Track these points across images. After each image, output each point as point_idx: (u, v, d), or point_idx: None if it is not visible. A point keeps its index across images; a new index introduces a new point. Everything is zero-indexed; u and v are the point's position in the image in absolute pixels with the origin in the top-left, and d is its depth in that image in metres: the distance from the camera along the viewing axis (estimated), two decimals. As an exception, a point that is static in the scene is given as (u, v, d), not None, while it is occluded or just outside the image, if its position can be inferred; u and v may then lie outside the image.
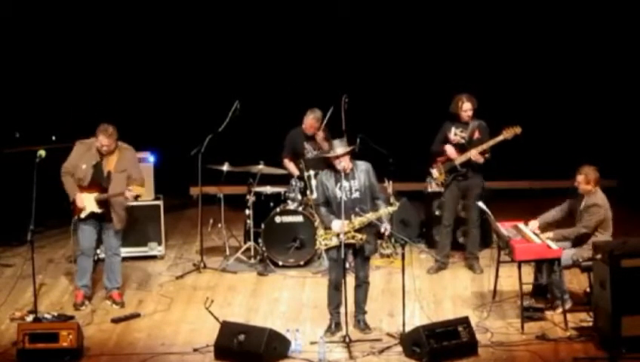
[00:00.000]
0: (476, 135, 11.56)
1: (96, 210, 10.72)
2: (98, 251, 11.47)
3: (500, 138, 11.39)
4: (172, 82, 14.63)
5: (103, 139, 10.62)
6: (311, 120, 12.25)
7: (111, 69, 14.51)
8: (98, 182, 10.71)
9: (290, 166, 12.36)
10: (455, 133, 11.62)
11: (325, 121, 12.19)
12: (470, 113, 11.53)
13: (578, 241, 10.35)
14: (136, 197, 11.01)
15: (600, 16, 14.13)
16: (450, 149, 11.57)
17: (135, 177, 10.78)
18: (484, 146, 11.43)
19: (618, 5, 14.09)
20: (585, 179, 10.35)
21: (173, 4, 14.50)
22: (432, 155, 11.77)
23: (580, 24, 14.21)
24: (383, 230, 10.11)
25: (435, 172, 11.76)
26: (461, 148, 11.57)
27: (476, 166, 11.56)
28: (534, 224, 10.50)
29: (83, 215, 10.73)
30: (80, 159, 10.74)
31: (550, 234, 10.38)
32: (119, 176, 10.71)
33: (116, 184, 10.70)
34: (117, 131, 10.65)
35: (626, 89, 14.31)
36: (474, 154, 11.43)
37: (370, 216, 9.94)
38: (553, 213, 10.62)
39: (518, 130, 11.32)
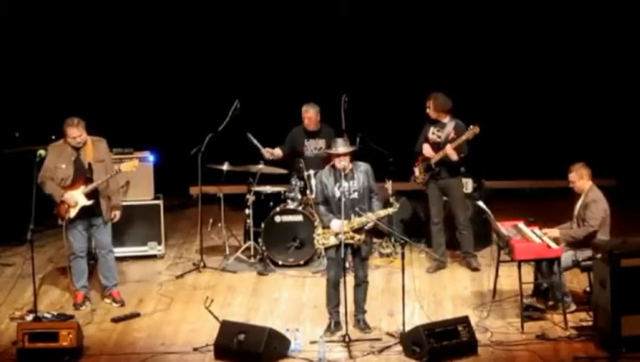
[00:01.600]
0: (452, 135, 11.65)
1: (87, 203, 10.71)
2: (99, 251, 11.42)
3: (463, 138, 11.50)
4: (172, 82, 14.62)
5: (73, 131, 10.64)
6: (303, 113, 12.24)
7: (111, 69, 14.51)
8: (81, 175, 10.72)
9: (276, 151, 12.30)
10: (432, 132, 11.72)
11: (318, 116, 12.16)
12: (431, 112, 11.66)
13: (584, 241, 10.31)
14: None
15: (599, 15, 14.12)
16: (426, 148, 11.72)
17: (109, 168, 10.81)
18: (454, 144, 11.50)
19: (616, 4, 14.07)
20: (577, 175, 10.34)
21: (173, 4, 14.50)
22: (415, 155, 11.89)
23: (578, 24, 14.20)
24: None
25: (416, 171, 11.90)
26: (438, 148, 11.66)
27: (451, 166, 11.63)
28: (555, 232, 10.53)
29: (73, 213, 10.71)
30: (57, 161, 10.73)
31: (556, 233, 10.37)
32: (99, 165, 10.76)
33: (98, 174, 10.74)
34: (83, 121, 10.70)
35: (625, 89, 14.30)
36: (448, 148, 11.52)
37: (370, 217, 9.94)
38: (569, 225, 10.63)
39: (476, 129, 11.43)
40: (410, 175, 11.99)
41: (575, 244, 10.33)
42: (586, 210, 10.27)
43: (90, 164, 10.75)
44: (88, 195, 10.71)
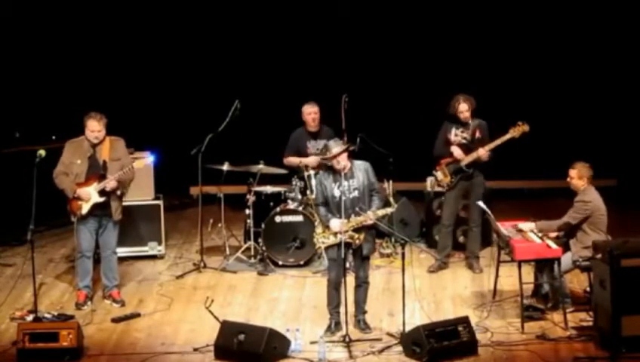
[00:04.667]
0: (477, 134, 11.57)
1: (99, 199, 10.74)
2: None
3: (508, 136, 11.38)
4: (172, 82, 14.63)
5: (93, 124, 10.70)
6: (307, 111, 12.20)
7: (111, 69, 14.51)
8: (96, 172, 10.75)
9: (294, 160, 12.26)
10: (456, 134, 11.62)
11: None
12: (467, 114, 11.55)
13: (565, 236, 10.33)
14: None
15: (598, 14, 14.13)
16: (457, 151, 11.56)
17: (126, 167, 10.86)
18: (493, 145, 11.43)
19: (616, 4, 14.07)
20: (578, 173, 10.34)
21: (173, 4, 14.50)
22: (436, 158, 11.76)
23: (578, 23, 14.21)
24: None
25: (439, 174, 11.72)
26: (464, 149, 11.58)
27: (481, 166, 11.58)
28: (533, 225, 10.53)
29: (85, 209, 10.74)
30: (73, 157, 10.80)
31: (533, 225, 10.40)
32: (114, 164, 10.80)
33: (112, 172, 10.77)
34: (106, 118, 10.77)
35: (625, 89, 14.30)
36: (482, 153, 11.44)
37: (369, 216, 9.93)
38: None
39: (526, 127, 11.32)
40: (430, 177, 11.87)
41: (565, 243, 10.36)
42: (572, 207, 10.30)
43: (105, 162, 10.78)
44: (100, 192, 10.73)
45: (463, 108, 11.51)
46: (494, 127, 11.61)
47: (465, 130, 11.59)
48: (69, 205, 10.84)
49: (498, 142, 11.44)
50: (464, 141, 11.59)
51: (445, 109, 11.65)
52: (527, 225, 10.47)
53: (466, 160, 11.54)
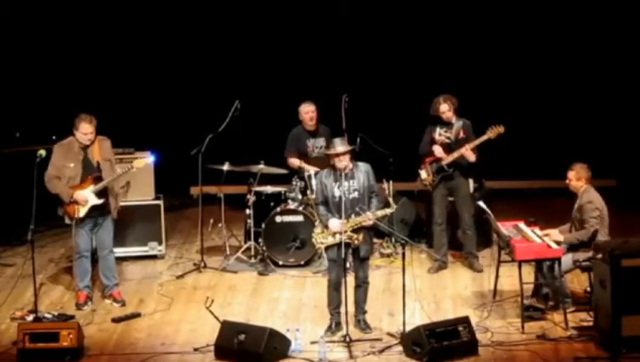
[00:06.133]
0: (461, 134, 11.62)
1: (97, 201, 10.73)
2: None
3: (485, 137, 11.44)
4: (172, 82, 14.63)
5: (85, 127, 10.65)
6: (304, 110, 12.21)
7: (111, 69, 14.51)
8: (91, 174, 10.74)
9: (296, 161, 12.29)
10: (440, 134, 11.68)
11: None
12: (449, 114, 11.61)
13: (588, 242, 10.30)
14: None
15: (598, 14, 14.12)
16: (438, 150, 11.63)
17: (114, 167, 10.86)
18: (472, 145, 11.47)
19: (616, 4, 14.07)
20: (576, 175, 10.35)
21: (173, 4, 14.50)
22: (421, 157, 11.81)
23: (578, 24, 14.20)
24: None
25: (423, 173, 11.79)
26: (447, 149, 11.61)
27: (463, 166, 11.61)
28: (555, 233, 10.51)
29: (83, 212, 10.72)
30: (64, 160, 10.73)
31: (560, 237, 10.36)
32: (106, 164, 10.81)
33: (106, 172, 10.77)
34: (96, 119, 10.75)
35: (625, 89, 14.30)
36: (464, 151, 11.46)
37: (368, 216, 9.93)
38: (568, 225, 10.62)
39: (501, 129, 11.37)
40: (416, 178, 11.91)
41: (576, 246, 10.33)
42: (581, 212, 10.29)
43: (98, 163, 10.77)
44: (98, 194, 10.72)
45: (445, 109, 11.58)
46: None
47: (448, 129, 11.65)
48: (64, 208, 10.77)
49: (477, 142, 11.49)
50: (447, 141, 11.64)
51: (428, 111, 11.70)
52: (554, 236, 10.38)
53: (447, 159, 11.59)
